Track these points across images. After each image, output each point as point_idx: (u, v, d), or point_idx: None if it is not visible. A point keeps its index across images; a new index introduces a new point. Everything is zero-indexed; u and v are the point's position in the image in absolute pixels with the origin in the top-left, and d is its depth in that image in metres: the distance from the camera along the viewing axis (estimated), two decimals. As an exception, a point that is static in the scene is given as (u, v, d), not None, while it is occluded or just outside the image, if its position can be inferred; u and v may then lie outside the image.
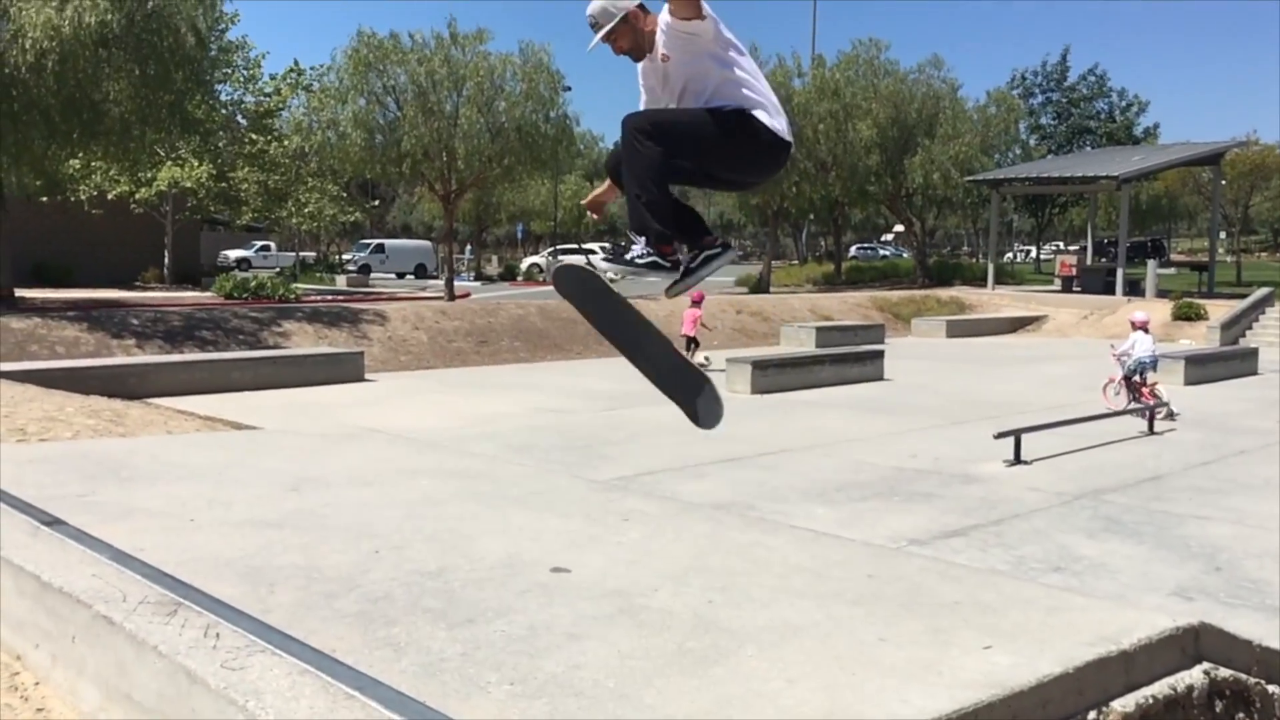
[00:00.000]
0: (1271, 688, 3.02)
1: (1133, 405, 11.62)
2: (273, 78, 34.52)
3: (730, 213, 63.00)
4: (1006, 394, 13.69)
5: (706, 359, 16.57)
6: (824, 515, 6.65)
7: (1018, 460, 8.62)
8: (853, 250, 73.80)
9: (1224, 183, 42.40)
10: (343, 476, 4.77)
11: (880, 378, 15.17)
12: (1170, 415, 11.17)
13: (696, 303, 17.57)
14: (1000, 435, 8.65)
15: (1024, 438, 8.76)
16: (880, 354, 16.04)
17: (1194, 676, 2.80)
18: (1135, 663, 2.68)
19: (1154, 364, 12.06)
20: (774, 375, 13.79)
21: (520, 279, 50.97)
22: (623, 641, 2.64)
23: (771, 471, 8.27)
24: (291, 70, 34.89)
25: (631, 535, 3.74)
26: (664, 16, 4.45)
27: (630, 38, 4.67)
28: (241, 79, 31.51)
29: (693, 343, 17.16)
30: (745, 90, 4.52)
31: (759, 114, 4.51)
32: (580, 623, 2.78)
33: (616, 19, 4.61)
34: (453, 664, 2.47)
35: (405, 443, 6.93)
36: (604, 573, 3.25)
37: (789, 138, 4.59)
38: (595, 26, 4.77)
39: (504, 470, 5.11)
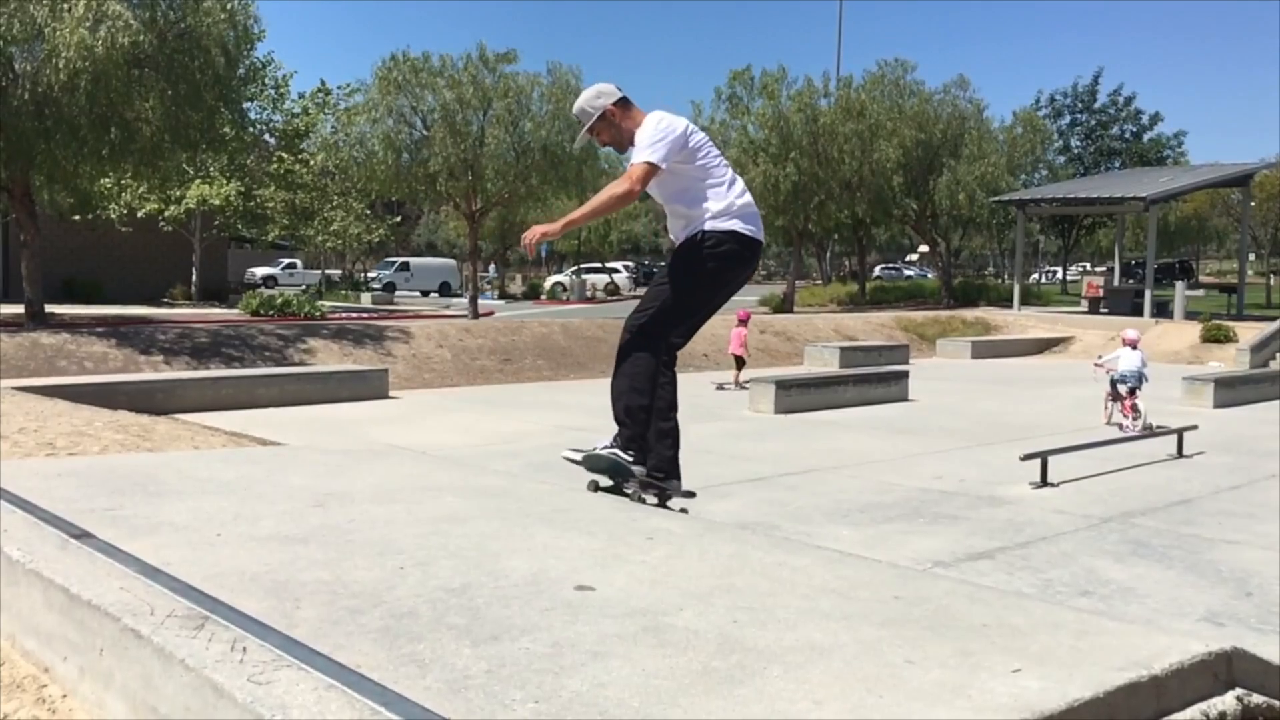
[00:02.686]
0: (1306, 715, 2.98)
1: (1116, 419, 12.25)
2: (301, 96, 34.90)
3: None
4: (1033, 416, 13.59)
5: (747, 382, 16.48)
6: (849, 536, 6.61)
7: (1044, 482, 8.55)
8: (877, 270, 73.61)
9: (1253, 204, 42.10)
10: (367, 493, 4.78)
11: (905, 398, 15.10)
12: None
13: (743, 321, 17.47)
14: (1027, 457, 8.59)
15: (1051, 460, 8.69)
16: (905, 375, 15.98)
17: (1227, 703, 2.75)
18: (1167, 688, 2.64)
19: (1137, 381, 12.22)
20: (798, 395, 13.76)
21: (544, 297, 51.12)
22: (647, 661, 2.63)
23: (795, 492, 8.23)
24: (319, 90, 35.26)
25: (656, 554, 3.73)
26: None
27: (610, 133, 4.98)
28: (270, 98, 31.86)
29: (740, 362, 17.07)
30: (703, 204, 4.88)
31: (715, 225, 4.92)
32: (604, 641, 2.76)
33: (594, 117, 4.92)
34: (477, 681, 2.47)
35: (429, 460, 6.95)
36: (628, 591, 3.24)
37: (749, 235, 4.98)
38: (578, 124, 5.11)
39: (528, 488, 5.11)
